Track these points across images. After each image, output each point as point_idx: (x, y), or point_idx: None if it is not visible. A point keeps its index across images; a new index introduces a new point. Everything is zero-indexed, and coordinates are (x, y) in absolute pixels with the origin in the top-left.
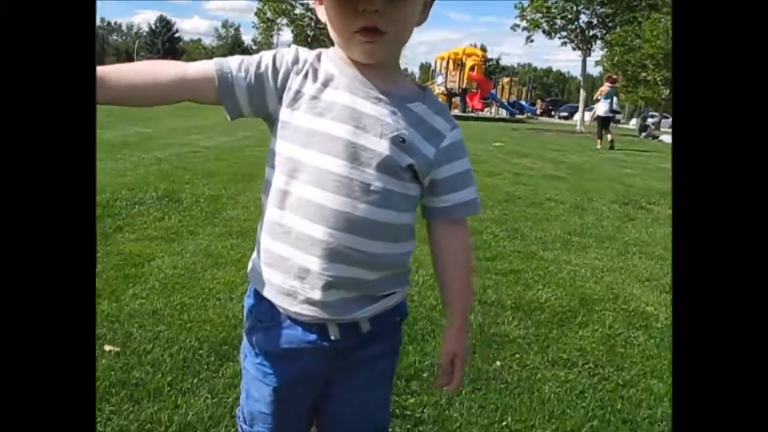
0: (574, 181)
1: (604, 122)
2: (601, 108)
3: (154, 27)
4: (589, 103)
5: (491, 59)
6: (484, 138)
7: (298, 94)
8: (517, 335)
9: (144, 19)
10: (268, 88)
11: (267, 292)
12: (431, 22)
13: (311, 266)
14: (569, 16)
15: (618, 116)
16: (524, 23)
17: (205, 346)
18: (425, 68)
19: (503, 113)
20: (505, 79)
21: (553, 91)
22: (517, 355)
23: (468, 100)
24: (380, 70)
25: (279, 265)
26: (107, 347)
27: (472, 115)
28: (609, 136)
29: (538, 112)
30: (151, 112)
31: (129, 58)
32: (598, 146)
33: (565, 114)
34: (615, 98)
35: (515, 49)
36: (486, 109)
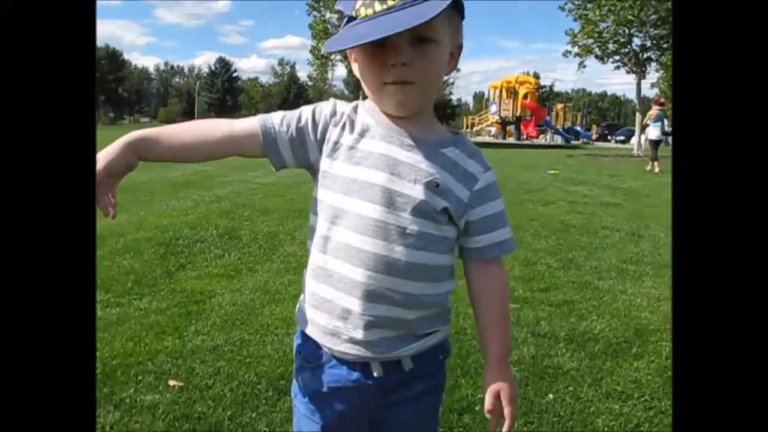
0: (630, 208)
1: (656, 145)
2: (652, 132)
3: (213, 68)
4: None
5: (544, 86)
6: (539, 166)
7: (336, 144)
8: (570, 367)
9: (204, 60)
10: (309, 141)
11: (313, 333)
12: (484, 51)
13: (353, 307)
14: (622, 40)
15: (669, 138)
16: (576, 49)
17: (263, 381)
18: (478, 97)
19: (558, 140)
20: (559, 106)
21: (608, 115)
22: (570, 388)
23: (522, 127)
24: (413, 118)
25: (323, 307)
26: (171, 382)
27: (527, 142)
28: (656, 165)
29: (594, 137)
30: None
31: (190, 99)
32: (657, 170)
33: (622, 138)
34: (665, 121)
35: (568, 74)
36: (541, 137)
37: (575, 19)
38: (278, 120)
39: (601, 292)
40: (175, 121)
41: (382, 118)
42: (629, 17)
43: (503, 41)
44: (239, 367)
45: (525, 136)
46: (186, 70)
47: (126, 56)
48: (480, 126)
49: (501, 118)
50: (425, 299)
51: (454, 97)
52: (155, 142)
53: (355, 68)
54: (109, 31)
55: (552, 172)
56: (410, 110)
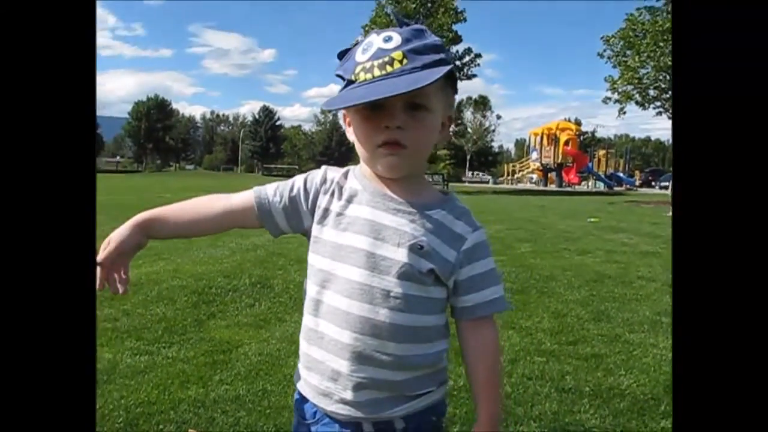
0: (669, 257)
1: None
2: None
3: (257, 116)
4: None
5: (586, 132)
6: (579, 214)
7: (326, 211)
8: (592, 425)
9: (249, 109)
10: (302, 210)
11: (307, 393)
12: (525, 98)
13: (342, 369)
14: (662, 86)
15: None
16: (616, 96)
17: None
18: (520, 144)
19: (601, 186)
20: (602, 152)
21: (652, 161)
22: None
23: (564, 174)
24: (403, 182)
25: (315, 368)
26: (191, 431)
27: (569, 189)
28: None
29: (637, 183)
30: None
31: (234, 147)
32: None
33: (666, 184)
34: None
35: (611, 120)
36: (583, 183)
37: (614, 66)
38: (272, 191)
39: (632, 346)
40: (219, 168)
41: (370, 183)
42: (669, 63)
43: (545, 88)
44: (259, 418)
45: (566, 183)
46: (231, 118)
47: (174, 105)
48: (521, 173)
49: (542, 164)
50: (414, 360)
51: (495, 144)
52: (162, 222)
53: (349, 132)
54: (158, 81)
55: (592, 220)
56: (400, 173)
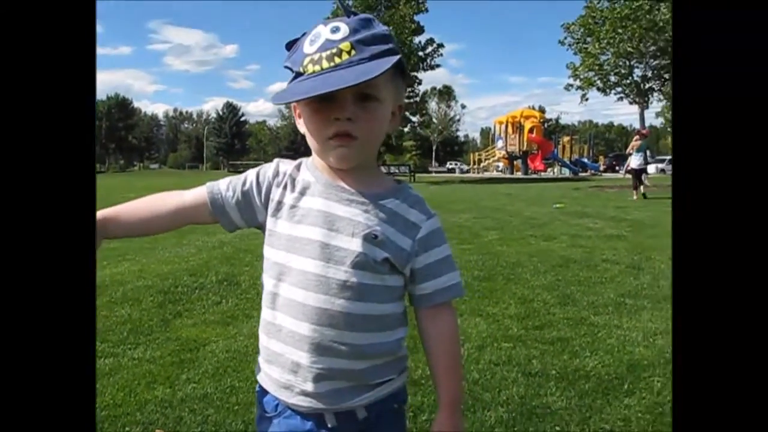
0: (633, 240)
1: (637, 174)
2: (634, 161)
3: (221, 113)
4: (654, 155)
5: (550, 119)
6: (545, 200)
7: (279, 204)
8: (558, 406)
9: (212, 106)
10: (255, 203)
11: (268, 386)
12: (489, 87)
13: (301, 360)
14: (623, 72)
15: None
16: (578, 82)
17: (250, 428)
18: (485, 133)
19: (566, 172)
20: (566, 138)
21: (616, 146)
22: (557, 428)
23: (529, 162)
24: (355, 172)
25: (275, 361)
26: (158, 431)
27: (535, 176)
28: (642, 188)
29: (602, 168)
30: None
31: (199, 144)
32: (634, 197)
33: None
34: (647, 151)
35: (574, 107)
36: (549, 170)
37: (575, 53)
38: (225, 186)
39: (597, 328)
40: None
41: (322, 174)
42: (629, 49)
43: (508, 77)
44: (227, 415)
45: (532, 170)
46: (194, 115)
47: (136, 104)
48: (487, 161)
49: (508, 153)
50: (373, 349)
51: (461, 134)
52: (116, 222)
53: (300, 123)
54: (119, 79)
55: (557, 206)
56: (352, 164)
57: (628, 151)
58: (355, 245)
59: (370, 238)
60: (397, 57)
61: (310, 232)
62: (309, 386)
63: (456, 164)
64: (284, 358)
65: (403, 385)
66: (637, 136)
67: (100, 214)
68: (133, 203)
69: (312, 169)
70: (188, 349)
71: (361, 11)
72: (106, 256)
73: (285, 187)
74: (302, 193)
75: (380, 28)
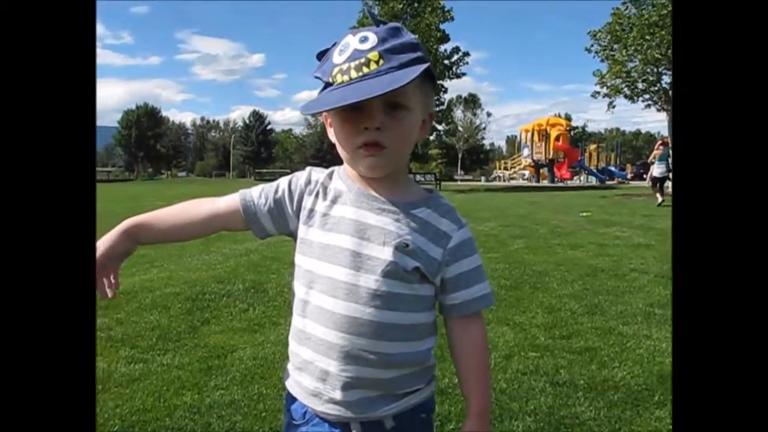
0: (661, 249)
1: (659, 182)
2: (656, 170)
3: (248, 121)
4: None
5: (576, 127)
6: (571, 209)
7: (311, 212)
8: (587, 417)
9: (239, 114)
10: (287, 211)
11: (297, 393)
12: (515, 95)
13: (330, 368)
14: (650, 79)
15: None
16: (605, 90)
17: None
18: (511, 141)
19: (593, 181)
20: (593, 146)
21: (644, 154)
22: None
23: (555, 170)
24: (386, 181)
25: (305, 368)
26: None
27: (561, 185)
28: (660, 196)
29: (629, 176)
30: None
31: (226, 152)
32: (660, 200)
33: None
34: (669, 159)
35: (601, 114)
36: (575, 178)
37: (602, 60)
38: (257, 194)
39: (625, 338)
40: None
41: (353, 183)
42: (657, 56)
43: (534, 84)
44: (255, 422)
45: (558, 179)
46: (221, 124)
47: (164, 113)
48: (513, 170)
49: (534, 161)
50: (402, 358)
51: (486, 142)
52: (149, 228)
53: (330, 132)
54: (148, 89)
55: (584, 214)
56: (382, 173)
57: (650, 159)
58: (386, 254)
59: (401, 247)
60: (425, 65)
61: (341, 240)
62: (337, 394)
63: (497, 171)
64: (314, 366)
65: (431, 394)
66: (659, 144)
67: (132, 220)
68: (166, 210)
69: (344, 178)
70: (216, 356)
71: (387, 20)
72: (135, 263)
73: (317, 196)
74: (334, 201)
75: (408, 36)
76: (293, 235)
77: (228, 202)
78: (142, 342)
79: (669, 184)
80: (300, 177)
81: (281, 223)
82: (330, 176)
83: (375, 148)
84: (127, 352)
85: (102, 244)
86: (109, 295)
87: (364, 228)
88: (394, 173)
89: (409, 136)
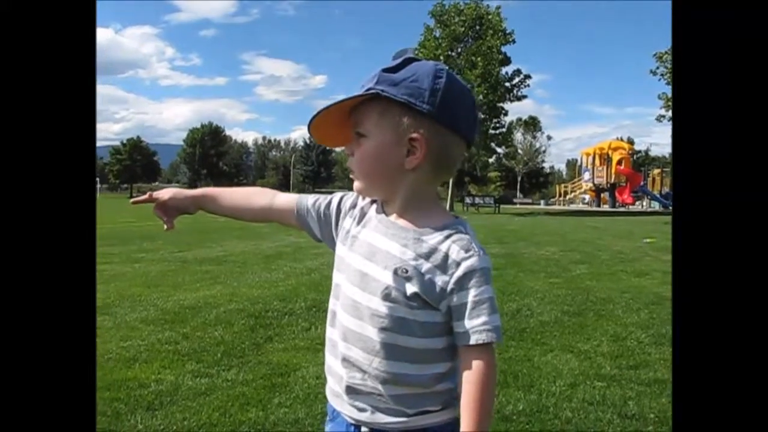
0: None
1: None
2: None
3: (308, 141)
4: None
5: (639, 151)
6: (634, 235)
7: (347, 233)
8: None
9: (300, 134)
10: (331, 226)
11: (328, 394)
12: (576, 118)
13: (342, 374)
14: None
15: None
16: (670, 113)
17: None
18: (571, 164)
19: (656, 206)
20: (656, 171)
21: None
22: None
23: (617, 194)
24: (407, 208)
25: (330, 372)
26: None
27: (623, 210)
28: None
29: None
30: None
31: (286, 171)
32: None
33: None
34: None
35: (665, 138)
36: (637, 203)
37: (668, 83)
38: (312, 201)
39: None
40: None
41: (382, 209)
42: None
43: (596, 107)
44: None
45: (620, 203)
46: (282, 143)
47: (228, 132)
48: (573, 194)
49: (595, 185)
50: (404, 378)
51: (546, 165)
52: (213, 199)
53: None
54: (213, 108)
55: (647, 240)
56: (366, 194)
57: None
58: (386, 277)
59: (399, 272)
60: (370, 92)
61: (356, 260)
62: (347, 398)
63: (583, 198)
64: (334, 371)
65: (450, 420)
66: None
67: (205, 190)
68: (232, 189)
69: (378, 204)
70: (279, 374)
71: (448, 43)
72: (200, 279)
73: (354, 219)
74: (364, 226)
75: (404, 71)
76: (334, 249)
77: (286, 200)
78: (207, 357)
79: None
80: (348, 198)
81: (326, 234)
82: (372, 202)
83: (351, 172)
84: (193, 366)
85: (173, 193)
86: (166, 227)
87: (373, 251)
88: (411, 199)
89: (371, 162)
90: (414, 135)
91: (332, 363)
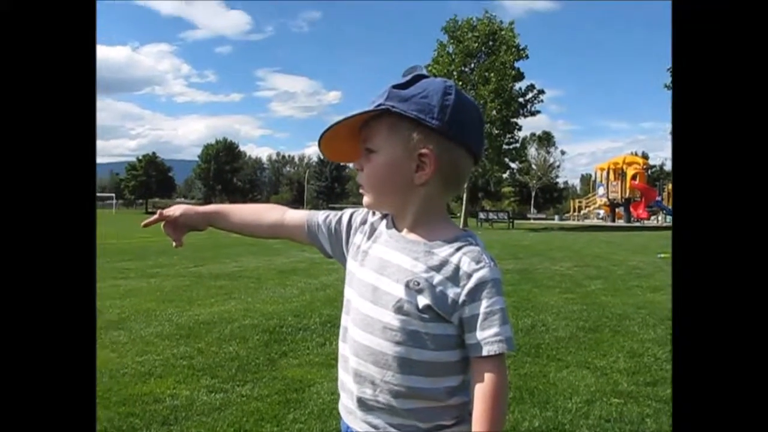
0: None
1: None
2: None
3: (322, 157)
4: None
5: (654, 166)
6: (649, 249)
7: (357, 248)
8: None
9: (314, 150)
10: (341, 242)
11: (341, 411)
12: (590, 133)
13: (353, 390)
14: None
15: None
16: None
17: None
18: (586, 179)
19: (671, 221)
20: (671, 186)
21: None
22: None
23: (632, 209)
24: (417, 223)
25: (343, 388)
26: None
27: (638, 224)
28: None
29: None
30: None
31: (300, 187)
32: None
33: None
34: None
35: None
36: (652, 218)
37: None
38: (322, 218)
39: None
40: None
41: (392, 225)
42: None
43: (610, 122)
44: None
45: (635, 218)
46: (296, 159)
47: (242, 147)
48: (588, 209)
49: (609, 200)
50: (416, 392)
51: (560, 180)
52: (224, 217)
53: None
54: (228, 124)
55: (663, 255)
56: (374, 208)
57: None
58: (398, 291)
59: (411, 285)
60: (368, 109)
61: (367, 274)
62: (360, 414)
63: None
64: (346, 387)
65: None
66: None
67: (215, 207)
68: (242, 206)
69: (389, 219)
70: (294, 389)
71: (461, 58)
72: (214, 294)
73: (365, 235)
74: (375, 241)
75: (413, 88)
76: (345, 265)
77: (296, 217)
78: (222, 372)
79: None
80: (359, 214)
81: (337, 251)
82: (383, 217)
83: (361, 188)
84: (208, 381)
85: (184, 210)
86: (174, 244)
87: (384, 264)
88: (421, 214)
89: (379, 177)
90: (423, 150)
91: (345, 379)
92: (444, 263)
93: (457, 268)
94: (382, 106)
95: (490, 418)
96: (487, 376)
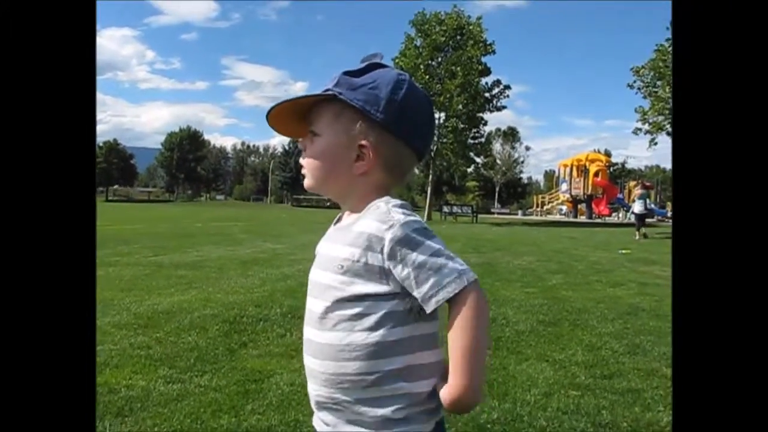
0: None
1: (640, 219)
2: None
3: (287, 148)
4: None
5: (616, 163)
6: (611, 245)
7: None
8: None
9: (279, 141)
10: None
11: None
12: (555, 129)
13: (309, 388)
14: None
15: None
16: (646, 126)
17: None
18: (549, 175)
19: (632, 218)
20: (632, 183)
21: None
22: None
23: (594, 206)
24: (348, 207)
25: (309, 389)
26: None
27: (599, 221)
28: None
29: (669, 214)
30: (284, 228)
31: (264, 178)
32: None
33: None
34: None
35: (642, 151)
36: (613, 215)
37: (645, 97)
38: None
39: (670, 381)
40: (250, 198)
41: (337, 220)
42: None
43: (575, 119)
44: None
45: (597, 215)
46: (261, 149)
47: (207, 136)
48: (551, 205)
49: (572, 196)
50: (361, 378)
51: (524, 176)
52: None
53: None
54: (193, 112)
55: (623, 251)
56: (313, 190)
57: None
58: (329, 279)
59: (337, 271)
60: (312, 94)
61: (312, 273)
62: (317, 413)
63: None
64: (310, 388)
65: (428, 428)
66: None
67: None
68: None
69: (339, 216)
70: (253, 380)
71: (429, 52)
72: (174, 284)
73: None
74: (322, 239)
75: (364, 77)
76: None
77: None
78: (180, 362)
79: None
80: None
81: None
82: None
83: (302, 168)
84: (165, 371)
85: None
86: None
87: (320, 259)
88: (361, 205)
89: (320, 161)
90: (364, 142)
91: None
92: (360, 235)
93: (369, 236)
94: (330, 92)
95: (472, 351)
96: (453, 317)
